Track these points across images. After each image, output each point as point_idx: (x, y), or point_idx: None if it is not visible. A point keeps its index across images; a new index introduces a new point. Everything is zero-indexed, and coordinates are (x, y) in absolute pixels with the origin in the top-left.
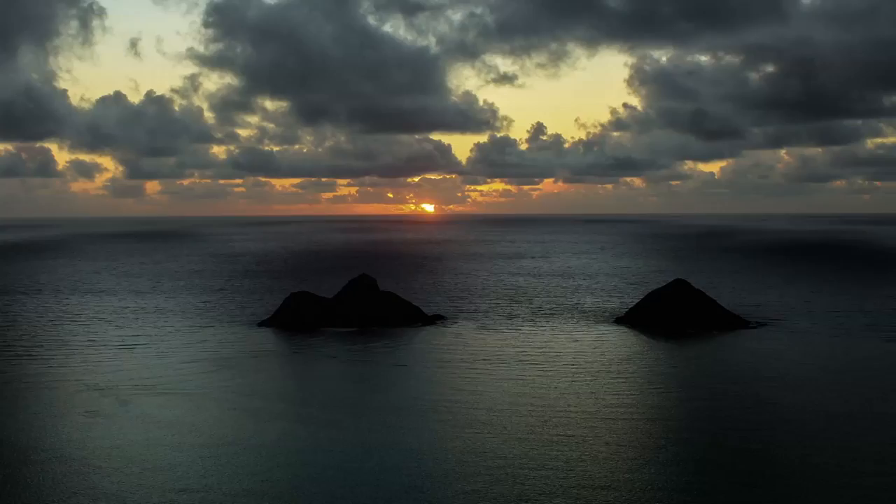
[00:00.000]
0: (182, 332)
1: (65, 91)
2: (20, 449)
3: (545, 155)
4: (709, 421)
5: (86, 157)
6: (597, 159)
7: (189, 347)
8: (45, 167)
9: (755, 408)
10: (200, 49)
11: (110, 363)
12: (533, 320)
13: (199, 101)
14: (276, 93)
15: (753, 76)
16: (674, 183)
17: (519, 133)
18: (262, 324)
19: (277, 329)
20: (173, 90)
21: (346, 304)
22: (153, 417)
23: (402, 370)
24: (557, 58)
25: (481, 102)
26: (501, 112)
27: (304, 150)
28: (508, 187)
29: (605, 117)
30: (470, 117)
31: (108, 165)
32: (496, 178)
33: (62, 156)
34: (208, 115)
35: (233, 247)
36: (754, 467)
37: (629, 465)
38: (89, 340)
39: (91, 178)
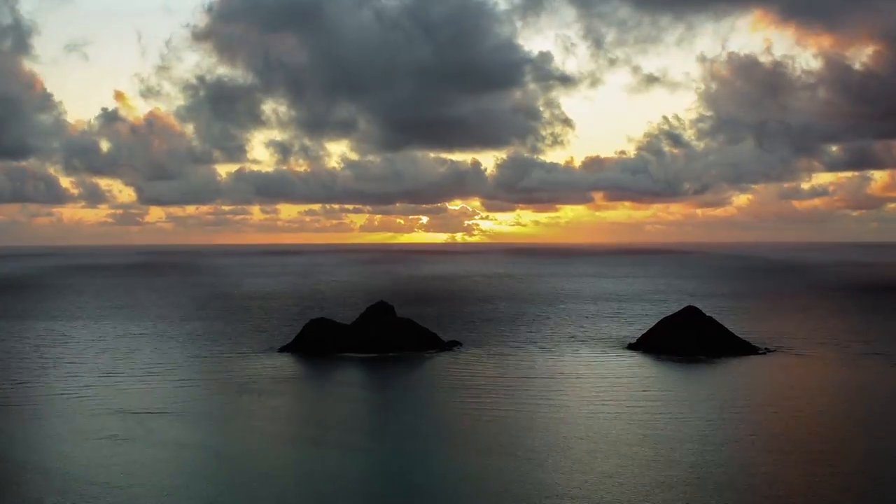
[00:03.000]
0: (203, 357)
1: (49, 99)
2: (45, 472)
3: (580, 176)
4: (709, 443)
5: (72, 180)
6: (639, 180)
7: (210, 373)
8: (33, 190)
9: (755, 430)
10: (197, 41)
11: (133, 388)
12: (546, 347)
13: (199, 111)
14: (287, 94)
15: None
16: (701, 211)
17: (562, 148)
18: (282, 350)
19: (297, 355)
20: (166, 96)
21: (364, 330)
22: (176, 441)
23: (419, 395)
24: (635, 46)
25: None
26: (549, 118)
27: (314, 172)
28: (525, 211)
29: (668, 122)
30: (508, 128)
31: (107, 189)
32: (520, 203)
33: (49, 177)
34: (209, 129)
35: (248, 279)
36: (758, 490)
37: (639, 489)
38: (113, 366)
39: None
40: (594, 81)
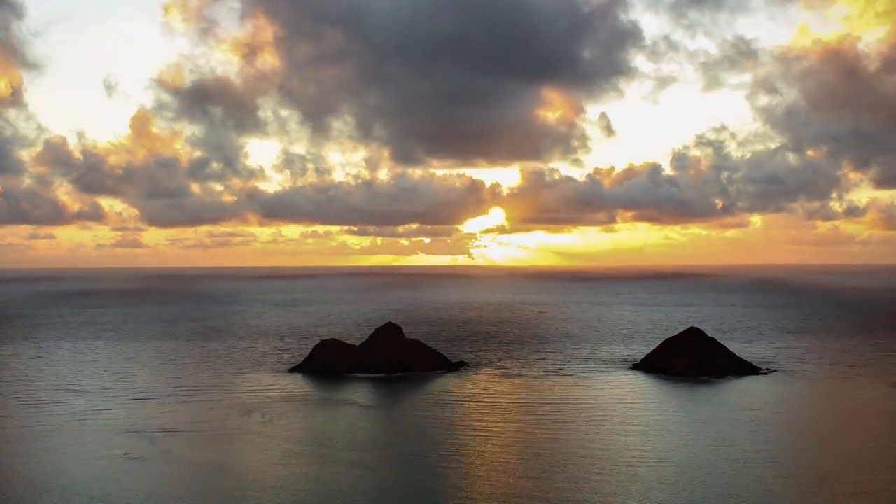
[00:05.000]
0: (215, 377)
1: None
2: (62, 490)
3: (606, 193)
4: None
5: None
6: (668, 197)
7: (222, 392)
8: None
9: (748, 450)
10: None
11: (146, 408)
12: (550, 367)
13: (190, 116)
14: (293, 96)
15: None
16: (716, 233)
17: (603, 158)
18: (292, 370)
19: (307, 375)
20: (153, 99)
21: (373, 350)
22: (188, 460)
23: (426, 415)
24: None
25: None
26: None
27: (318, 190)
28: (538, 232)
29: (717, 127)
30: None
31: (98, 208)
32: (537, 223)
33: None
34: (203, 142)
35: (254, 304)
36: None
37: None
38: (125, 386)
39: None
40: (670, 45)
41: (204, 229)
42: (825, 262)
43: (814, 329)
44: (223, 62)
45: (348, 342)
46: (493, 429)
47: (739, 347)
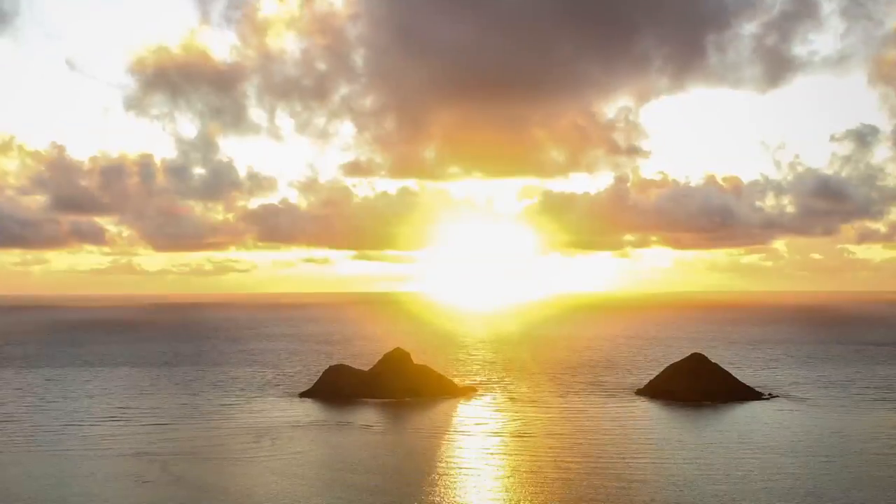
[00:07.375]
0: (227, 402)
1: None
2: None
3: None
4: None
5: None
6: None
7: (233, 417)
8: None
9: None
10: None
11: (157, 432)
12: (557, 393)
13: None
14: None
15: None
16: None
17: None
18: (302, 395)
19: (317, 400)
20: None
21: (382, 376)
22: (198, 484)
23: (434, 440)
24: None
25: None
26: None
27: (322, 206)
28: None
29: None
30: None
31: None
32: (558, 246)
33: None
34: (186, 145)
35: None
36: None
37: None
38: (137, 410)
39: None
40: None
41: (199, 255)
42: (823, 290)
43: (814, 356)
44: (210, 46)
45: (357, 367)
46: (500, 453)
47: (745, 374)
